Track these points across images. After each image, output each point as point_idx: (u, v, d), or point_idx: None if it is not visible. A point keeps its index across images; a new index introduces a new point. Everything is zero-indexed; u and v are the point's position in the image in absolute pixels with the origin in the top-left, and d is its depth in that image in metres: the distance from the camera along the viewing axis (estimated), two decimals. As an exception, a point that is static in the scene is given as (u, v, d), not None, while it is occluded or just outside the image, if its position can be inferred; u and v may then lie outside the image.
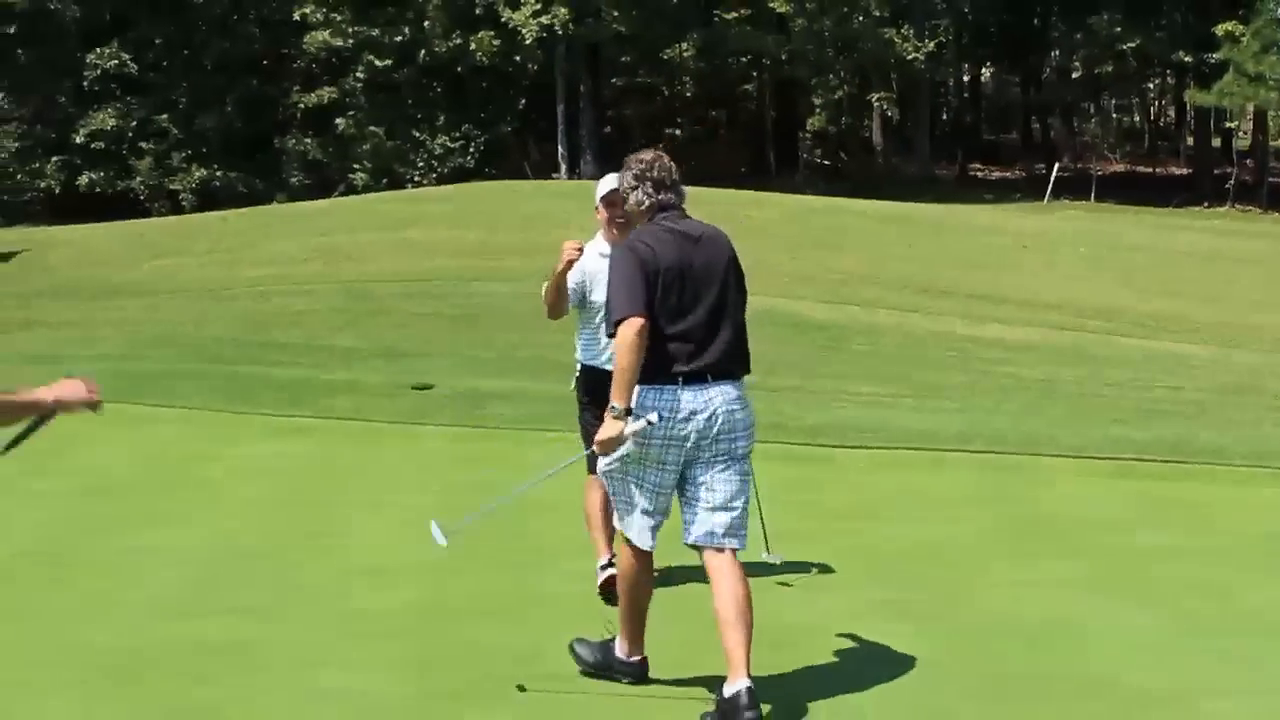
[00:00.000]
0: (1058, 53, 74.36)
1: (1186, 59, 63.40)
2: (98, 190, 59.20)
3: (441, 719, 6.89)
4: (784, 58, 63.87)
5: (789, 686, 7.04)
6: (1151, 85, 78.40)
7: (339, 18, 60.34)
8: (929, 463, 13.17)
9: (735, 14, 62.60)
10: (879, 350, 22.17)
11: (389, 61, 61.25)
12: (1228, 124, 66.51)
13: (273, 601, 8.91)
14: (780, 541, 8.96)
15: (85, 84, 60.32)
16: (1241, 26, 57.41)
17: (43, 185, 59.51)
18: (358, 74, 61.56)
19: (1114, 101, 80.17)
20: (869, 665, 7.47)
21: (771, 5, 61.36)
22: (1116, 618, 8.54)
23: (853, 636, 7.91)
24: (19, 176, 58.38)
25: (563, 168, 60.32)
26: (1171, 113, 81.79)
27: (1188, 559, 9.75)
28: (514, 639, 8.25)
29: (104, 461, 13.08)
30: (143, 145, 60.48)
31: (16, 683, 7.14)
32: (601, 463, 7.16)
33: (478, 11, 60.66)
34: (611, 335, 6.95)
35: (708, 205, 31.87)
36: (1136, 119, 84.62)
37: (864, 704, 6.91)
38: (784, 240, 33.01)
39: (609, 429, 6.84)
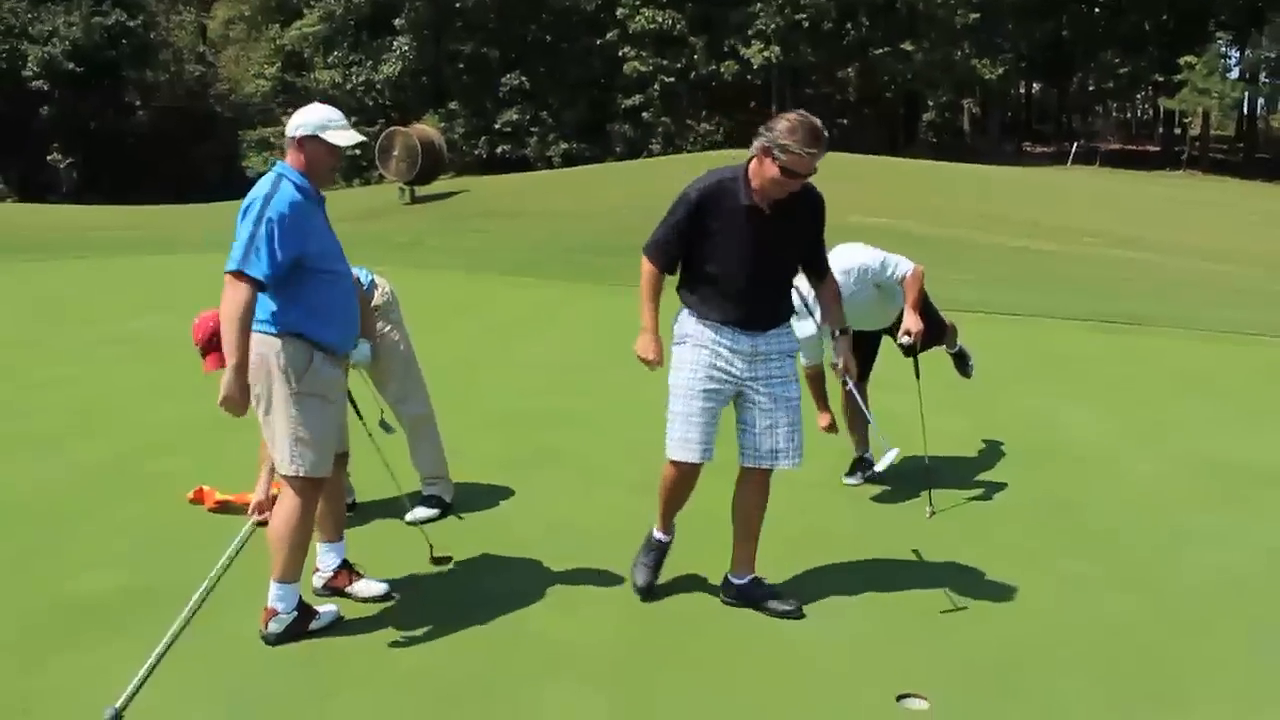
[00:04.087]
0: (1080, 74, 72.50)
1: (1160, 79, 61.57)
2: (507, 156, 60.05)
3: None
4: (909, 77, 63.00)
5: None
6: (1139, 96, 75.97)
7: (645, 54, 60.73)
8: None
9: (881, 50, 62.42)
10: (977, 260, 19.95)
11: (673, 79, 61.04)
12: (1185, 120, 64.67)
13: (591, 388, 8.74)
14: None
15: (500, 94, 61.29)
16: (1196, 59, 55.71)
17: (477, 152, 60.47)
18: (655, 87, 61.31)
19: (1114, 104, 77.83)
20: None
21: (903, 46, 61.14)
22: None
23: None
24: (463, 147, 58.93)
25: (774, 144, 60.74)
26: (1150, 111, 79.16)
27: None
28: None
29: (501, 312, 13.16)
30: (533, 129, 61.29)
31: (465, 426, 6.31)
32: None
33: (725, 49, 60.62)
34: None
35: (864, 166, 32.01)
36: (1128, 115, 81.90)
37: None
38: (908, 190, 32.51)
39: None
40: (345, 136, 4.12)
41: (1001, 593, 4.77)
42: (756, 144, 4.17)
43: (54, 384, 8.99)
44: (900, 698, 3.85)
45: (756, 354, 4.36)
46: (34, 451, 6.97)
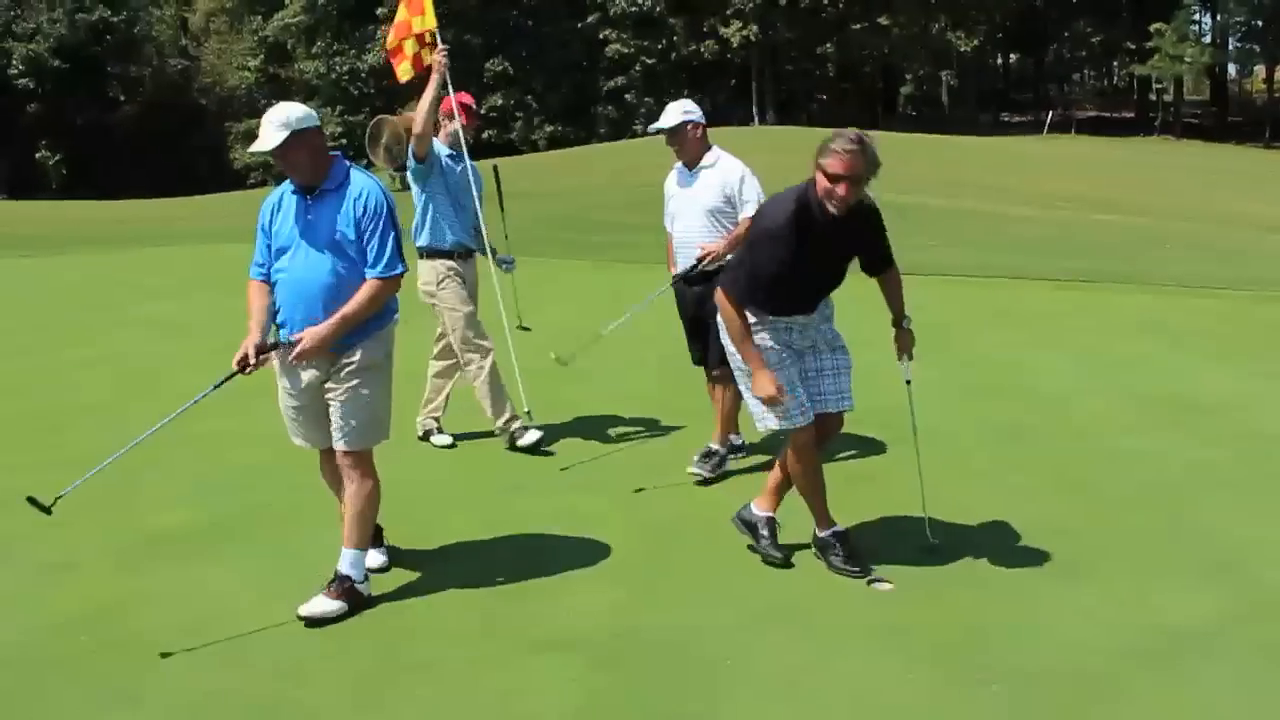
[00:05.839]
0: (1055, 45, 72.99)
1: (1132, 46, 62.27)
2: (492, 141, 59.29)
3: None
4: (887, 51, 63.54)
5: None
6: (1113, 63, 76.46)
7: (625, 35, 61.20)
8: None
9: (859, 25, 62.84)
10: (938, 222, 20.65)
11: (654, 60, 61.43)
12: (1156, 85, 65.27)
13: (592, 351, 7.92)
14: None
15: (485, 80, 61.17)
16: (1165, 25, 56.46)
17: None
18: (636, 68, 61.62)
19: (1089, 72, 78.40)
20: None
21: (880, 20, 61.55)
22: None
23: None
24: (449, 133, 58.84)
25: (755, 120, 61.14)
26: (1125, 79, 79.64)
27: None
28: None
29: (497, 288, 13.80)
30: (518, 114, 61.49)
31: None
32: None
33: (705, 29, 61.13)
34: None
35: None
36: (1103, 83, 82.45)
37: None
38: (895, 161, 32.96)
39: None
40: (256, 145, 4.15)
41: (958, 500, 5.46)
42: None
43: (92, 362, 9.66)
44: (870, 582, 4.55)
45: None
46: (91, 417, 7.67)
